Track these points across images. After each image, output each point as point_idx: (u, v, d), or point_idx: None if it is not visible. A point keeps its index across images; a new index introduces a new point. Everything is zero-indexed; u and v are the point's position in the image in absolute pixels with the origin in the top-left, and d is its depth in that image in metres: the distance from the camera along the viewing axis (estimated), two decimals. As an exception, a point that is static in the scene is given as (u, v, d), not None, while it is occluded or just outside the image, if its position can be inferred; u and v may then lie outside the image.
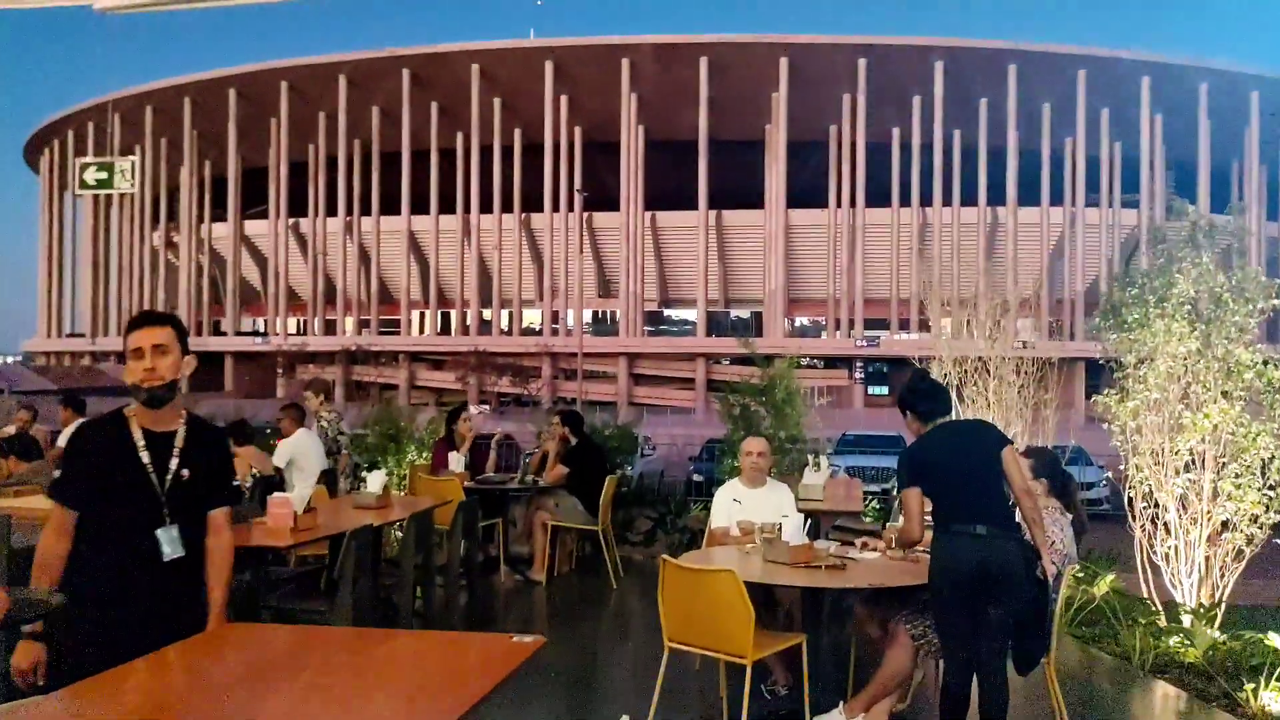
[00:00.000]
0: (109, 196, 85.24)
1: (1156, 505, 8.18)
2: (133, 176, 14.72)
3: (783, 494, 6.96)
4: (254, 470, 9.00)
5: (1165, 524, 8.15)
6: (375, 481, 7.54)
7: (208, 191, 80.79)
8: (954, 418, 5.35)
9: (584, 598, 9.83)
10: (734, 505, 6.84)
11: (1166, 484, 8.03)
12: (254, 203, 78.75)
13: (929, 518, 5.10)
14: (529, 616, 8.96)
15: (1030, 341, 64.49)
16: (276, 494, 6.30)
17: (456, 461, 9.90)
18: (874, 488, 17.79)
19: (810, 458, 9.37)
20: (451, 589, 8.42)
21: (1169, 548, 8.11)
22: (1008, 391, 14.67)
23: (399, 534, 8.18)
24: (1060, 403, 55.29)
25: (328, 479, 9.22)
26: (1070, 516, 5.64)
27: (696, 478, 19.11)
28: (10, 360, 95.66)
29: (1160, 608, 8.17)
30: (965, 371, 15.07)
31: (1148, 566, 8.38)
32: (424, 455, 12.52)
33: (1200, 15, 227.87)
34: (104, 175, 14.84)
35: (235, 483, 7.57)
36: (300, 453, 9.04)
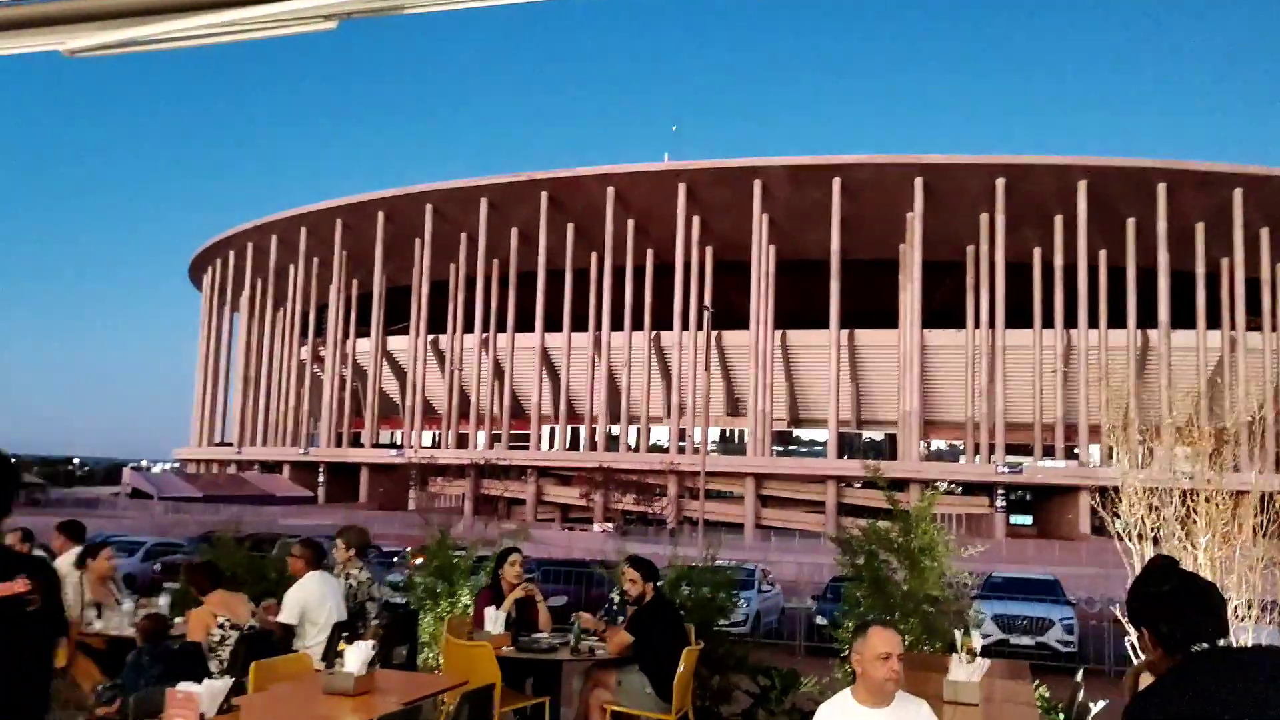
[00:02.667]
0: (263, 312, 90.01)
1: None
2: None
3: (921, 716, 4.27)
4: (222, 621, 6.57)
5: None
6: (354, 658, 5.33)
7: (354, 308, 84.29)
8: (1232, 641, 2.56)
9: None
10: None
11: None
12: (396, 319, 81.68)
13: None
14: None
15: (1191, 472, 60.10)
16: (182, 686, 4.61)
17: (494, 620, 7.55)
18: (1026, 641, 15.97)
19: (958, 636, 6.50)
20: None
21: None
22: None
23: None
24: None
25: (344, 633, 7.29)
26: None
27: (819, 620, 16.79)
28: (164, 467, 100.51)
29: None
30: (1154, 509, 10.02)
31: None
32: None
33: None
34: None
35: (194, 642, 6.38)
36: (314, 603, 7.14)
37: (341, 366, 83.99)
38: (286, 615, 7.00)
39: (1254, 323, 66.12)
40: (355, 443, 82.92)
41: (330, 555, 8.14)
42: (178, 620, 7.40)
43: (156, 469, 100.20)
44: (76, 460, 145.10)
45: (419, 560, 11.51)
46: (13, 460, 3.34)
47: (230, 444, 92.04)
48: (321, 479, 79.63)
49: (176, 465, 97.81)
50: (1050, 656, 15.54)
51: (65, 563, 7.80)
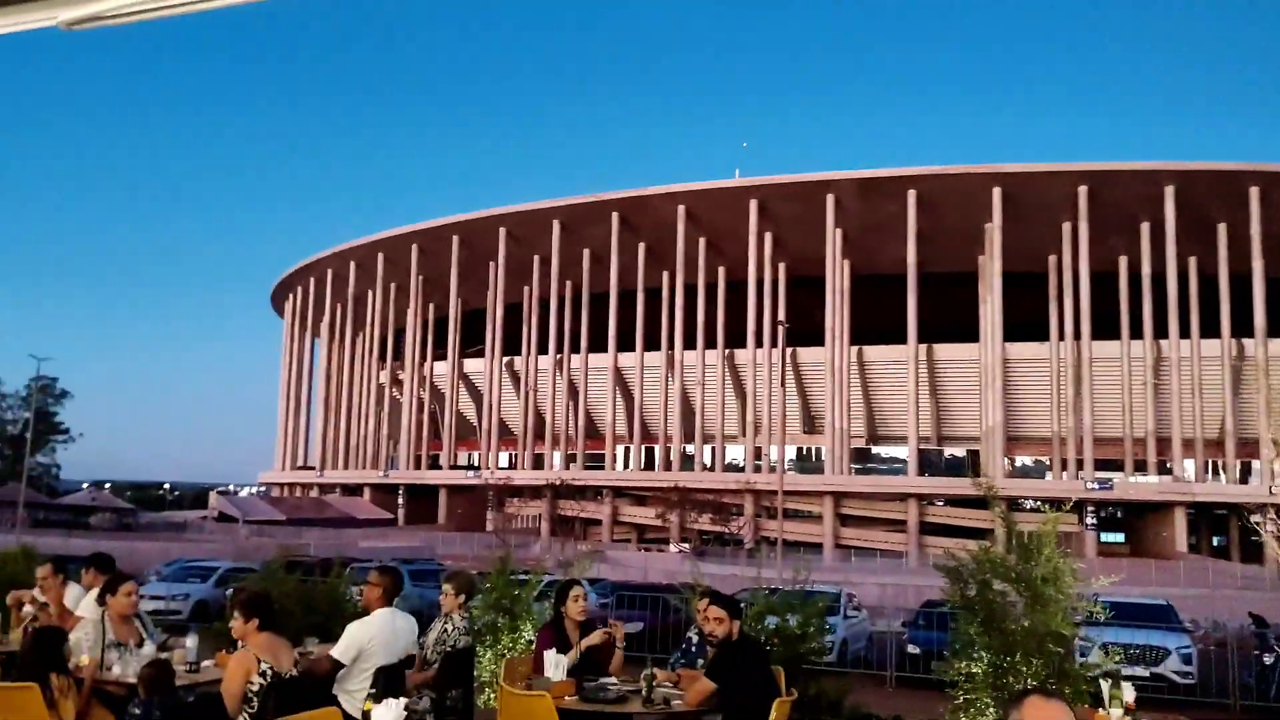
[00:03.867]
0: (343, 337, 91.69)
1: None
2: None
3: None
4: (265, 668, 5.47)
5: None
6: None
7: (430, 332, 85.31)
8: None
9: None
10: None
11: None
12: (472, 342, 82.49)
13: None
14: None
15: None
16: None
17: (556, 665, 6.51)
18: (1138, 671, 14.86)
19: (1105, 689, 5.58)
20: None
21: None
22: None
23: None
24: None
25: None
26: None
27: (912, 649, 15.98)
28: (249, 491, 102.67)
29: None
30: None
31: None
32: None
33: None
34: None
35: (215, 692, 5.46)
36: (377, 645, 6.15)
37: (419, 389, 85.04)
38: (341, 650, 6.09)
39: (1357, 329, 63.11)
40: (434, 465, 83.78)
41: (440, 601, 7.32)
42: (206, 664, 6.67)
43: (242, 493, 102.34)
44: (167, 485, 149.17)
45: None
46: None
47: (313, 467, 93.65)
48: (401, 501, 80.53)
49: (261, 489, 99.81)
50: (1167, 689, 14.58)
51: (88, 601, 7.21)
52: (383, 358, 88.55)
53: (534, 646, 7.42)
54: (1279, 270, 62.29)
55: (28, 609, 7.54)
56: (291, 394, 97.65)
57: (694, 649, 6.80)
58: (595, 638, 6.72)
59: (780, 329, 61.60)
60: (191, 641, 6.84)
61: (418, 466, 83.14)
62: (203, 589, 20.28)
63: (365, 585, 6.58)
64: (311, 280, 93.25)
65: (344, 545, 51.70)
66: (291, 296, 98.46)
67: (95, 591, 7.13)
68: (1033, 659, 7.05)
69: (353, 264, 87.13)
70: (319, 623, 8.17)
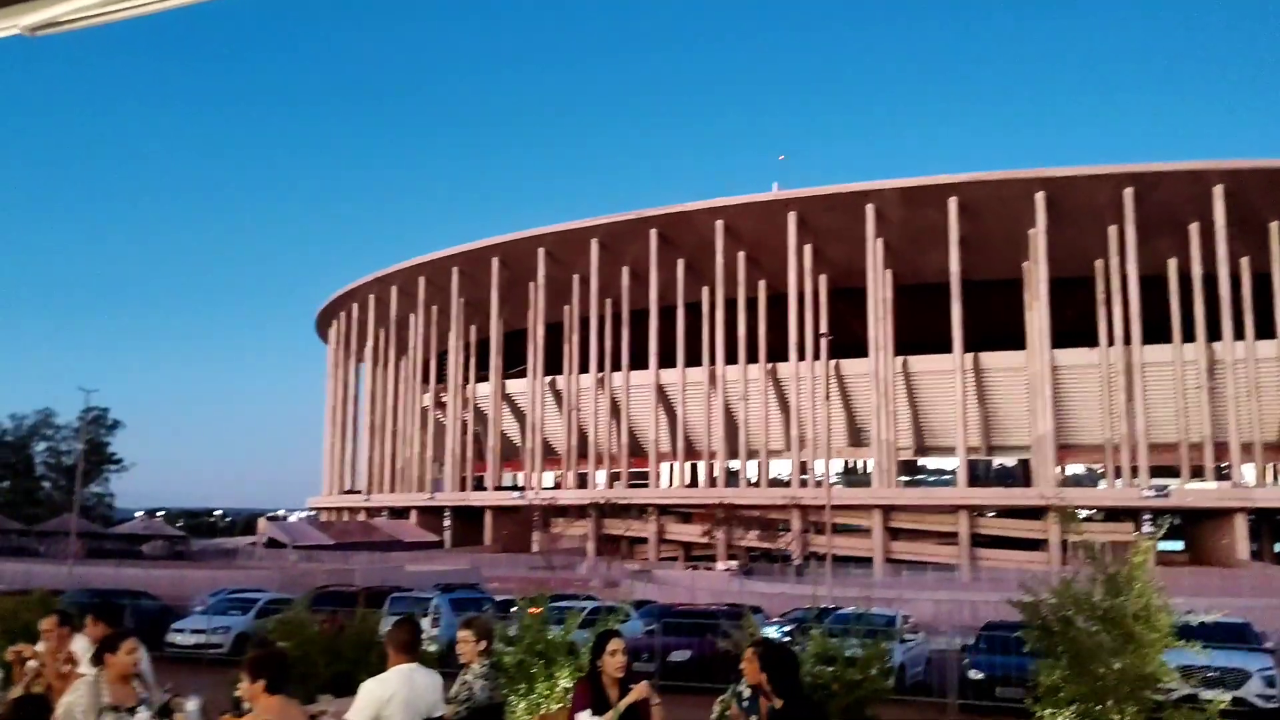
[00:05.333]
0: (387, 360, 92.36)
1: None
2: None
3: None
4: None
5: None
6: None
7: (473, 353, 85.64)
8: None
9: None
10: None
11: None
12: (514, 363, 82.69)
13: None
14: None
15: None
16: None
17: None
18: (1218, 695, 14.04)
19: None
20: None
21: None
22: None
23: None
24: None
25: None
26: None
27: (974, 675, 15.17)
28: (299, 516, 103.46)
29: None
30: None
31: None
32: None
33: None
34: None
35: None
36: (393, 708, 5.37)
37: (463, 411, 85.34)
38: (355, 713, 5.36)
39: None
40: (478, 486, 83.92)
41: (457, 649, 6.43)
42: None
43: (292, 518, 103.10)
44: (219, 512, 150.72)
45: (534, 610, 10.64)
46: None
47: (359, 491, 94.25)
48: (447, 523, 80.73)
49: (310, 514, 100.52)
50: (1250, 714, 13.74)
51: (83, 659, 6.37)
52: (426, 380, 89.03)
53: (570, 699, 6.76)
54: (1336, 267, 60.71)
55: (31, 664, 6.80)
56: (337, 418, 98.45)
57: (745, 703, 5.85)
58: (633, 695, 5.84)
59: (823, 341, 61.06)
60: (193, 705, 6.22)
61: (463, 488, 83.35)
62: (243, 621, 20.15)
63: (385, 645, 5.74)
64: (355, 306, 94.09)
65: (390, 569, 51.83)
66: (335, 322, 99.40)
67: (95, 647, 6.18)
68: (1126, 704, 6.27)
69: (394, 288, 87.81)
70: (344, 673, 7.52)
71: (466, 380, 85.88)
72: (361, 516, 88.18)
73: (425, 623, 19.41)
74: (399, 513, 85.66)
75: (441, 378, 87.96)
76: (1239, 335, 62.36)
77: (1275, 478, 65.10)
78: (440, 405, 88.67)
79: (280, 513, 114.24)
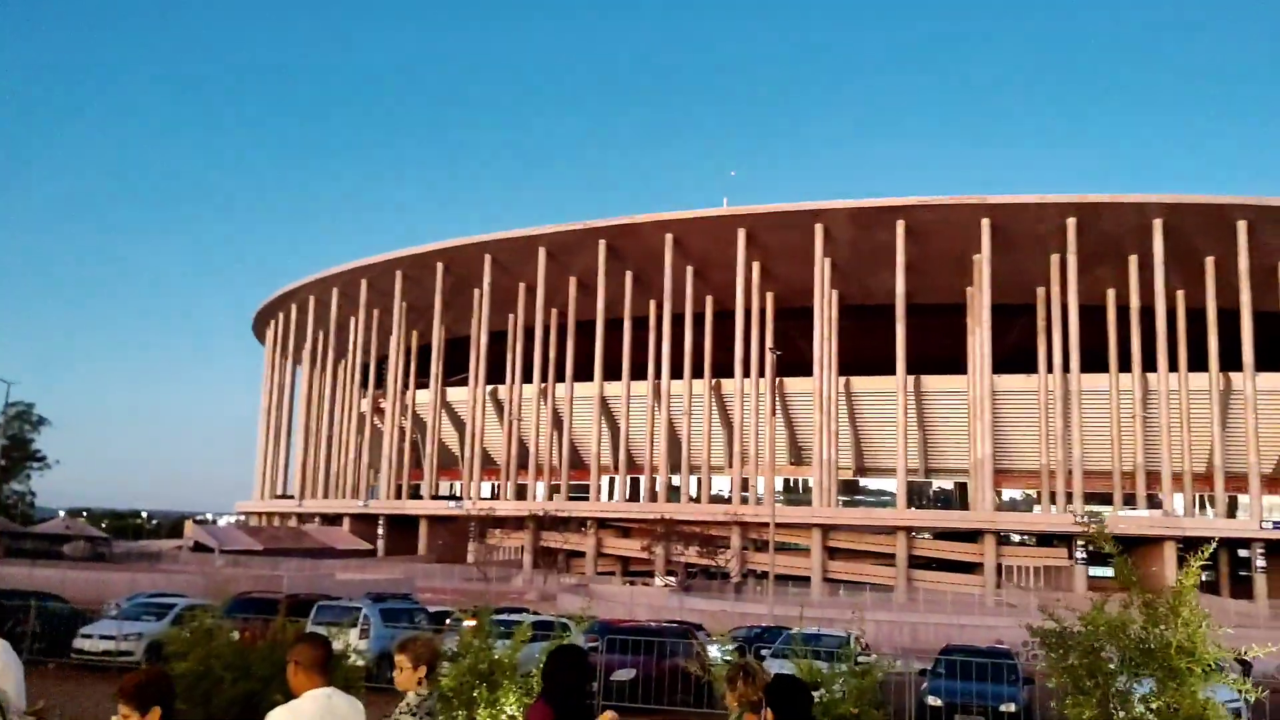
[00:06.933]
0: (325, 364, 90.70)
1: None
2: None
3: None
4: None
5: None
6: None
7: (413, 359, 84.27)
8: None
9: None
10: None
11: None
12: (455, 370, 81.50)
13: None
14: None
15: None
16: None
17: None
18: None
19: None
20: None
21: None
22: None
23: None
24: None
25: None
26: None
27: (932, 701, 14.64)
28: (227, 520, 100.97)
29: None
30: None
31: None
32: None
33: None
34: None
35: None
36: None
37: (401, 418, 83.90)
38: None
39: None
40: (415, 494, 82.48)
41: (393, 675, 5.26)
42: None
43: (220, 522, 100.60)
44: (145, 514, 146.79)
45: (471, 623, 9.87)
46: None
47: (291, 496, 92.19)
48: (381, 531, 79.12)
49: (240, 518, 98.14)
50: None
51: None
52: (365, 385, 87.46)
53: None
54: (1267, 304, 62.21)
55: None
56: (271, 422, 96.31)
57: None
58: None
59: (769, 358, 61.02)
60: None
61: (398, 496, 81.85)
62: (158, 627, 19.01)
63: (290, 664, 4.56)
64: (294, 306, 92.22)
65: (320, 577, 50.52)
66: (273, 323, 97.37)
67: None
68: None
69: (336, 291, 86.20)
70: (253, 693, 6.56)
71: (406, 386, 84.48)
72: (293, 522, 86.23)
73: (353, 634, 18.55)
74: (332, 519, 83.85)
75: (380, 383, 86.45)
76: (1173, 367, 63.59)
77: (1203, 507, 66.33)
78: (378, 411, 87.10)
79: (208, 516, 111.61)
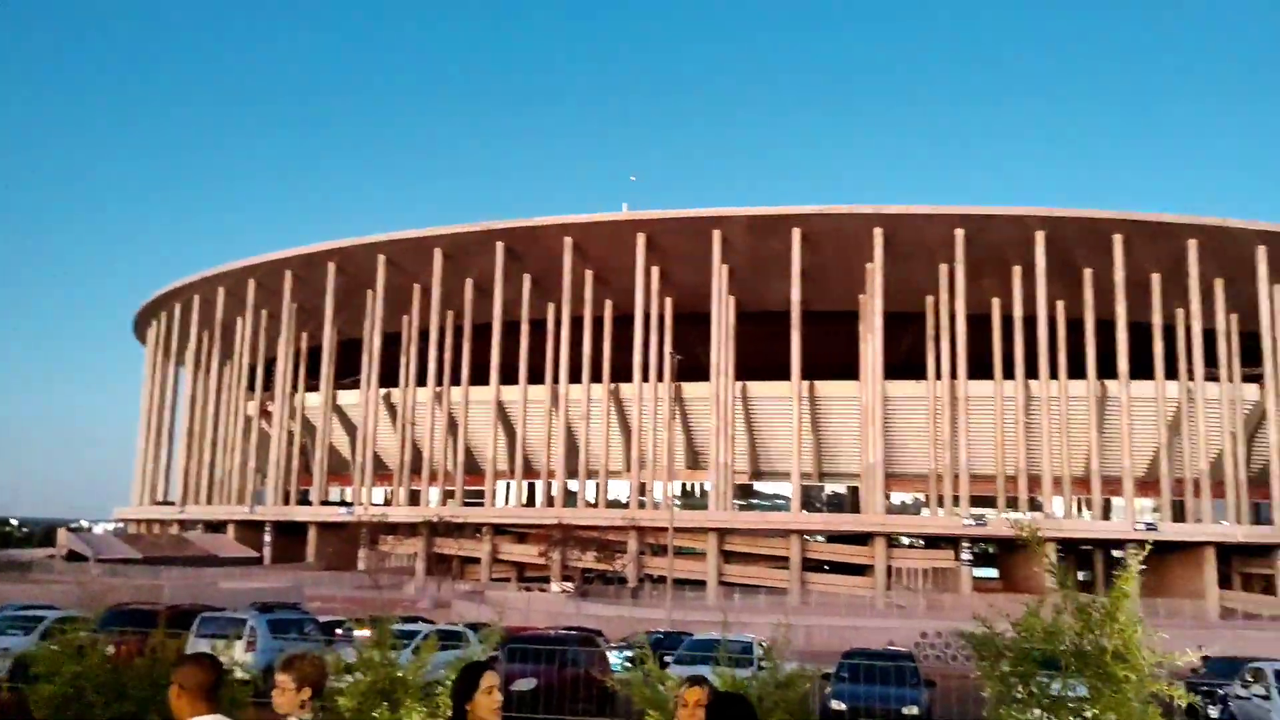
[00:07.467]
0: (209, 366, 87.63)
1: None
2: None
3: None
4: None
5: None
6: None
7: (303, 362, 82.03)
8: None
9: None
10: None
11: None
12: (347, 373, 79.55)
13: None
14: None
15: (1153, 522, 59.56)
16: None
17: None
18: None
19: None
20: None
21: None
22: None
23: None
24: (1187, 592, 50.43)
25: None
26: None
27: (836, 706, 14.75)
28: (104, 528, 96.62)
29: None
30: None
31: None
32: None
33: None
34: None
35: None
36: None
37: (290, 422, 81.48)
38: None
39: (1211, 373, 66.36)
40: (303, 500, 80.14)
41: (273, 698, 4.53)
42: None
43: (97, 529, 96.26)
44: (15, 521, 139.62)
45: (366, 632, 9.35)
46: None
47: (173, 503, 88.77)
48: (267, 538, 76.67)
49: (118, 526, 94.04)
50: None
51: None
52: (251, 388, 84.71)
53: None
54: (1140, 315, 65.15)
55: None
56: (152, 425, 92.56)
57: None
58: (482, 708, 4.33)
59: (670, 363, 61.28)
60: None
61: (286, 502, 79.43)
62: (25, 642, 17.82)
63: (173, 686, 4.05)
64: (177, 306, 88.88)
65: (203, 586, 48.78)
66: (155, 323, 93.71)
67: None
68: None
69: (222, 290, 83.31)
70: (129, 715, 5.95)
71: (295, 389, 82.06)
72: (174, 530, 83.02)
73: (238, 647, 17.77)
74: (215, 527, 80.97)
75: (268, 385, 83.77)
76: (1053, 375, 66.06)
77: (1081, 510, 69.01)
78: (265, 414, 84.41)
79: (84, 524, 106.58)
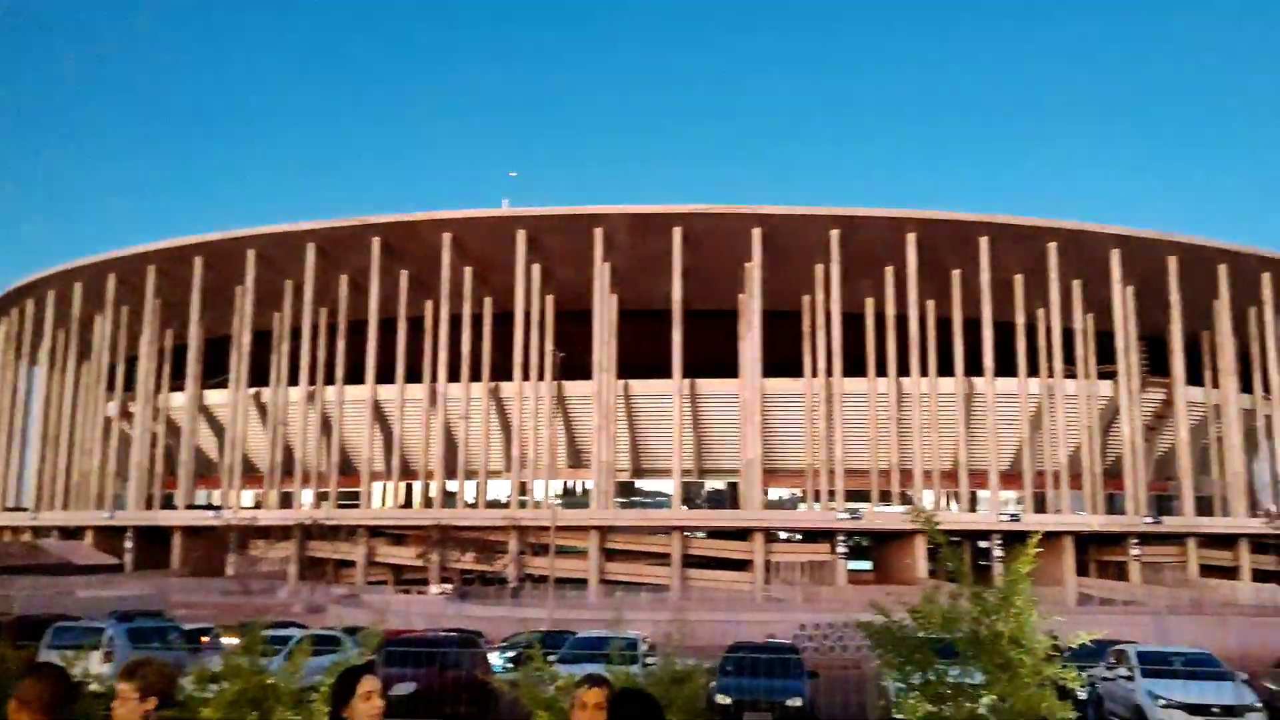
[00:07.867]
0: (65, 365, 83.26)
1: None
2: None
3: None
4: None
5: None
6: None
7: (167, 360, 78.68)
8: None
9: None
10: None
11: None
12: (214, 372, 76.62)
13: None
14: None
15: (1017, 514, 62.00)
16: None
17: None
18: None
19: None
20: None
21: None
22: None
23: None
24: (1047, 579, 52.38)
25: None
26: None
27: (721, 700, 14.75)
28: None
29: None
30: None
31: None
32: None
33: (1170, 190, 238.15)
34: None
35: None
36: None
37: (153, 423, 78.00)
38: None
39: (1070, 371, 69.59)
40: (167, 504, 76.77)
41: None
42: None
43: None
44: None
45: (235, 639, 8.82)
46: None
47: (26, 509, 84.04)
48: (129, 544, 73.15)
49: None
50: None
51: None
52: (111, 388, 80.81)
53: None
54: (1005, 315, 67.90)
55: None
56: (3, 427, 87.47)
57: None
58: (362, 712, 4.17)
59: (552, 361, 60.90)
60: None
61: (149, 506, 75.96)
62: None
63: (13, 701, 3.77)
64: (30, 302, 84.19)
65: (58, 595, 46.40)
66: (6, 320, 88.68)
67: None
68: None
69: (79, 285, 79.18)
70: None
71: (159, 389, 78.61)
72: (27, 537, 78.47)
73: (95, 658, 16.81)
74: (72, 533, 76.86)
75: (130, 385, 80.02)
76: (924, 372, 68.24)
77: (949, 503, 71.52)
78: (127, 415, 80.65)
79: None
